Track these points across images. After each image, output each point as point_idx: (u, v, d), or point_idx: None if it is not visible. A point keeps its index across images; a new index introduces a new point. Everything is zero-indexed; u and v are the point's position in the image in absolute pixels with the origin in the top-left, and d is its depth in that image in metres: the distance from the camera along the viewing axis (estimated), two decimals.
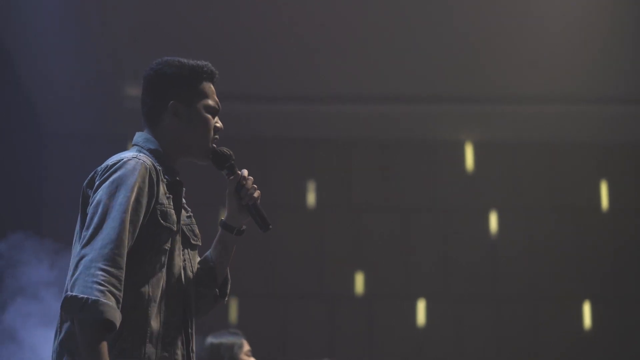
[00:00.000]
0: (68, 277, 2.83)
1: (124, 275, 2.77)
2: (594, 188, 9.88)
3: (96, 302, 2.67)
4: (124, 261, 2.77)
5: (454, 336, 9.61)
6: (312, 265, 9.66)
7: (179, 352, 2.96)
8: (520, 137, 9.82)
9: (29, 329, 5.85)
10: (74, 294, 2.69)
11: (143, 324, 2.85)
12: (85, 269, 2.72)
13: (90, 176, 2.97)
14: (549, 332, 9.58)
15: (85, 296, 2.68)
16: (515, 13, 8.65)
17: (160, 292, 2.92)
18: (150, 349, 2.86)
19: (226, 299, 3.26)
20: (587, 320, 9.64)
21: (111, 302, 2.70)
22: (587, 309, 9.66)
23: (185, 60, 3.21)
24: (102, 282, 2.70)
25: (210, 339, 5.28)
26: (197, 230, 3.17)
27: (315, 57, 8.93)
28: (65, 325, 2.86)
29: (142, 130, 3.14)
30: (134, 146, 3.08)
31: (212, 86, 3.20)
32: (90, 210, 2.85)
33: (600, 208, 9.84)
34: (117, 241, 2.77)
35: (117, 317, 2.71)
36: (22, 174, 8.47)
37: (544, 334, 9.59)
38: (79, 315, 2.68)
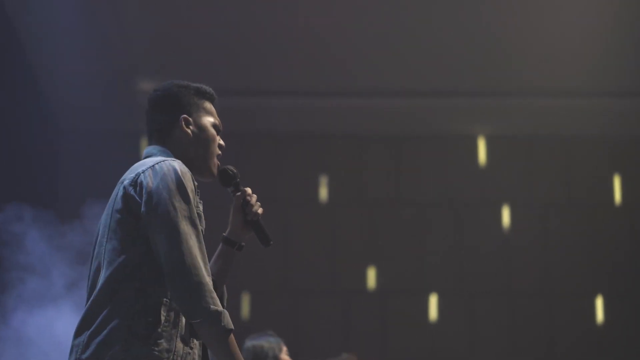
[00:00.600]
0: (114, 266, 2.92)
1: None
2: (607, 182, 9.87)
3: (224, 314, 2.88)
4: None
5: (467, 331, 9.62)
6: (324, 260, 9.68)
7: (196, 351, 3.04)
8: (533, 131, 9.82)
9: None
10: (213, 307, 2.86)
11: (176, 317, 2.94)
12: (202, 287, 2.86)
13: (130, 178, 3.02)
14: (562, 327, 9.58)
15: (218, 308, 2.87)
16: (528, 7, 8.64)
17: None
18: (179, 343, 2.94)
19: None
20: (600, 314, 9.63)
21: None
22: (600, 303, 9.65)
23: (188, 82, 3.35)
24: (214, 292, 2.89)
25: (251, 342, 5.41)
26: (204, 224, 3.25)
27: (328, 52, 8.94)
28: (108, 324, 2.91)
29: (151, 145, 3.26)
30: (151, 157, 3.16)
31: (213, 107, 3.34)
32: (161, 218, 2.91)
33: (613, 202, 9.83)
34: (202, 248, 2.94)
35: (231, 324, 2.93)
36: (38, 170, 8.52)
37: (557, 329, 9.59)
38: (222, 328, 2.86)
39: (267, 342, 5.42)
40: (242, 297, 9.37)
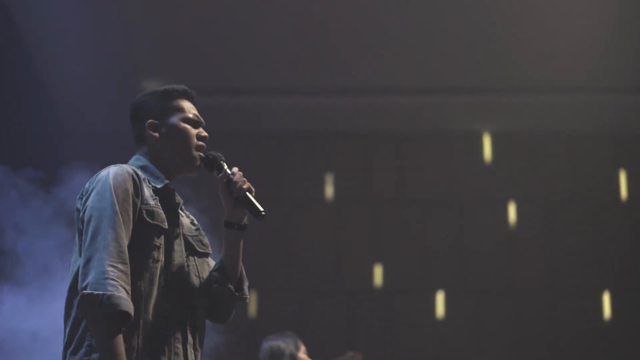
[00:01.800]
0: (70, 281, 3.03)
1: (129, 270, 2.96)
2: (612, 178, 9.86)
3: (111, 297, 2.85)
4: (127, 256, 2.96)
5: (473, 328, 9.61)
6: (330, 258, 9.68)
7: (179, 345, 3.07)
8: (538, 128, 9.81)
9: None
10: (89, 291, 2.85)
11: (136, 316, 2.95)
12: (95, 267, 2.89)
13: (80, 192, 3.13)
14: (569, 323, 9.57)
15: (101, 292, 2.85)
16: (531, 3, 8.63)
17: (156, 288, 3.05)
18: (143, 340, 2.98)
19: (246, 297, 3.36)
20: (607, 310, 9.62)
21: (124, 295, 2.88)
22: (606, 299, 9.64)
23: (157, 87, 3.39)
24: (113, 278, 2.88)
25: (269, 342, 5.45)
26: (205, 240, 3.31)
27: (332, 50, 8.94)
28: (73, 323, 3.01)
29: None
30: None
31: (188, 102, 3.35)
32: (85, 217, 3.03)
33: (619, 198, 9.82)
34: (118, 238, 2.96)
35: (131, 308, 2.88)
36: (40, 169, 8.52)
37: (564, 325, 9.58)
38: (97, 311, 2.84)
39: (284, 342, 5.45)
40: (250, 295, 9.35)
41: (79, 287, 2.89)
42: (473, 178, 9.87)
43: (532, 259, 9.72)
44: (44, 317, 5.85)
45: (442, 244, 9.75)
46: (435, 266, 9.71)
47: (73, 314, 3.00)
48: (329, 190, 9.82)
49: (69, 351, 2.98)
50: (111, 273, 2.87)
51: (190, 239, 3.22)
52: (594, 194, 9.80)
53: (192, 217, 3.33)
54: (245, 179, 3.24)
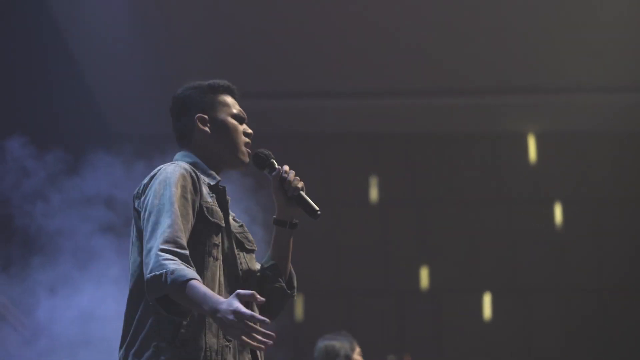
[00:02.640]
0: (132, 282, 3.01)
1: (188, 252, 2.92)
2: None
3: (173, 271, 2.81)
4: (184, 242, 2.93)
5: (521, 329, 9.57)
6: (377, 260, 9.69)
7: (234, 344, 3.03)
8: (584, 127, 9.76)
9: None
10: (151, 274, 2.82)
11: (200, 315, 2.93)
12: (154, 255, 2.86)
13: (136, 190, 3.12)
14: (618, 323, 9.51)
15: (163, 271, 2.81)
16: (577, 4, 8.59)
17: (217, 286, 3.02)
18: (211, 339, 2.95)
19: (295, 294, 3.35)
20: None
21: (185, 266, 2.84)
22: None
23: (202, 81, 3.37)
24: (170, 258, 2.85)
25: (324, 342, 5.46)
26: (250, 237, 3.29)
27: (378, 53, 8.95)
28: (141, 330, 2.98)
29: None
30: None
31: (231, 98, 3.34)
32: (144, 215, 3.00)
33: None
34: (174, 225, 2.93)
35: (195, 273, 2.84)
36: (90, 173, 8.59)
37: (613, 325, 9.52)
38: (166, 288, 2.81)
39: (339, 342, 5.47)
40: (296, 298, 9.40)
41: (144, 279, 2.87)
42: (518, 179, 9.84)
43: (579, 258, 9.67)
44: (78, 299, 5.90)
45: (489, 244, 9.73)
46: (482, 267, 9.69)
47: (138, 315, 2.97)
48: (374, 193, 9.83)
49: (131, 352, 2.95)
50: (168, 254, 2.85)
51: (238, 235, 3.20)
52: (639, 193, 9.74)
53: (233, 213, 3.28)
54: (298, 177, 3.23)
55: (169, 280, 2.80)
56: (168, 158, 3.26)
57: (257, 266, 3.26)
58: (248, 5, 8.56)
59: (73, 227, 6.06)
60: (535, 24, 8.71)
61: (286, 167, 3.23)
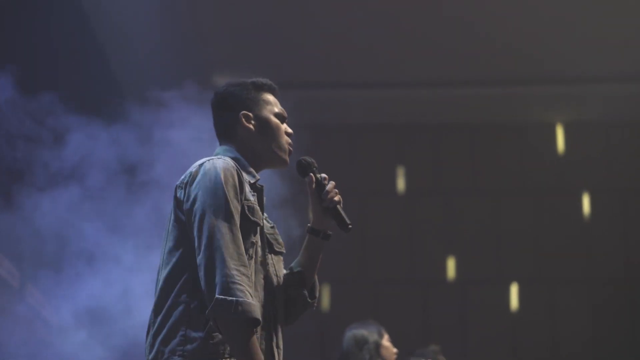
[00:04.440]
0: (167, 271, 3.02)
1: (249, 272, 2.96)
2: None
3: (242, 304, 2.84)
4: (245, 258, 2.95)
5: (548, 320, 9.54)
6: (403, 250, 9.68)
7: (263, 341, 3.06)
8: (612, 117, 9.71)
9: None
10: (222, 297, 2.84)
11: None
12: (219, 270, 2.88)
13: (180, 180, 3.12)
14: None
15: (234, 298, 2.84)
16: None
17: (253, 285, 3.03)
18: None
19: (315, 304, 3.36)
20: None
21: (252, 300, 2.87)
22: None
23: (245, 79, 3.37)
24: (240, 282, 2.87)
25: (352, 330, 5.50)
26: (280, 239, 3.31)
27: (403, 44, 8.94)
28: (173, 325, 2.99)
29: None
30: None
31: (274, 97, 3.35)
32: (196, 212, 3.00)
33: None
34: (236, 240, 2.95)
35: (260, 314, 2.89)
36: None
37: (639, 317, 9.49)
38: (231, 317, 2.84)
39: (367, 330, 5.50)
40: (322, 287, 9.42)
41: (203, 288, 2.88)
42: (546, 169, 9.80)
43: (607, 249, 9.62)
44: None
45: (516, 235, 9.70)
46: (509, 257, 9.67)
47: (168, 303, 2.99)
48: (401, 183, 9.82)
49: (158, 339, 2.97)
50: (237, 277, 2.87)
51: (268, 237, 3.22)
52: None
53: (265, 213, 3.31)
54: (337, 190, 3.25)
55: (239, 310, 2.84)
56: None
57: (283, 269, 3.28)
58: None
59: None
60: (563, 14, 8.67)
61: (325, 176, 3.26)
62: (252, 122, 3.24)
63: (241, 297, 2.84)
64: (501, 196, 9.78)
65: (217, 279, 2.86)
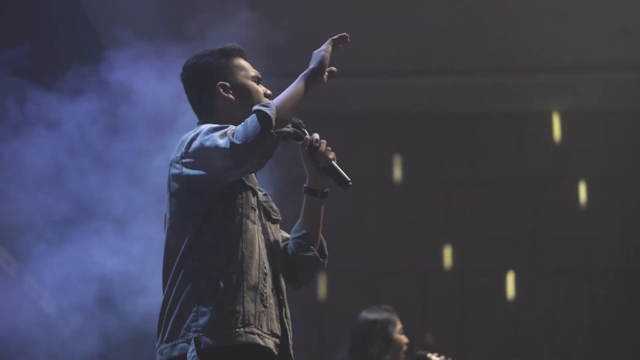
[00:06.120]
0: (167, 249, 3.03)
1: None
2: None
3: (263, 106, 2.91)
4: None
5: (545, 309, 9.55)
6: (400, 239, 9.68)
7: (273, 311, 3.05)
8: (608, 105, 9.70)
9: None
10: (238, 138, 2.86)
11: (239, 279, 2.95)
12: (217, 137, 2.92)
13: (171, 159, 3.09)
14: None
15: (261, 108, 2.89)
16: None
17: (257, 250, 3.03)
18: (249, 303, 2.96)
19: (326, 261, 3.35)
20: None
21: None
22: None
23: (211, 48, 3.32)
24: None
25: (365, 315, 5.36)
26: (275, 207, 3.28)
27: (402, 31, 8.91)
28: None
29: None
30: None
31: (245, 60, 3.31)
32: (190, 158, 3.00)
33: None
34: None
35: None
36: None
37: (638, 305, 9.48)
38: (269, 110, 2.88)
39: (381, 315, 5.34)
40: (319, 277, 9.42)
41: (239, 132, 2.89)
42: (543, 158, 9.80)
43: (604, 238, 9.62)
44: None
45: (513, 224, 9.70)
46: (506, 247, 9.67)
47: (177, 282, 2.97)
48: (398, 172, 9.82)
49: (172, 318, 2.96)
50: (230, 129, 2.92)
51: (264, 205, 3.21)
52: None
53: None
54: (330, 148, 3.24)
55: (272, 106, 2.89)
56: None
57: (281, 236, 3.26)
58: None
59: None
60: (560, 2, 8.65)
61: (316, 136, 3.24)
62: (230, 91, 3.20)
63: (259, 109, 2.88)
64: (498, 185, 9.77)
65: (245, 124, 2.89)
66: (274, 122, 2.85)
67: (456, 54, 9.19)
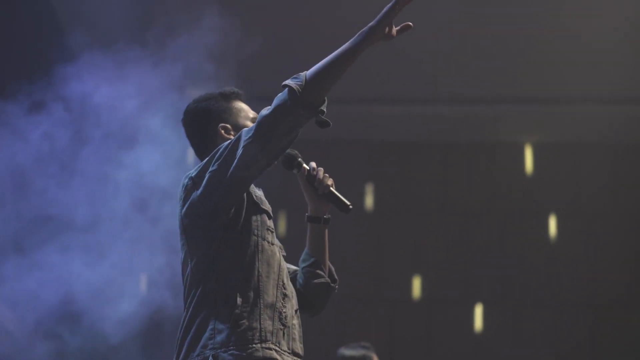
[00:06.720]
0: (190, 265, 3.08)
1: None
2: None
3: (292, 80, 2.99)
4: None
5: (512, 342, 9.54)
6: (370, 268, 9.66)
7: (297, 332, 3.15)
8: (580, 139, 9.74)
9: None
10: (285, 92, 2.96)
11: (255, 296, 3.00)
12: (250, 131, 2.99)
13: (179, 196, 3.16)
14: (610, 339, 9.47)
15: (289, 83, 2.96)
16: (574, 15, 8.57)
17: (273, 270, 3.10)
18: (266, 321, 3.00)
19: (337, 286, 3.51)
20: None
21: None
22: None
23: (211, 91, 3.41)
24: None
25: (342, 351, 5.42)
26: (279, 243, 3.33)
27: (375, 60, 8.92)
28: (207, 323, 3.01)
29: None
30: None
31: (243, 103, 3.41)
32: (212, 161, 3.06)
33: None
34: None
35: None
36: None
37: (604, 341, 9.48)
38: (306, 84, 2.98)
39: (358, 352, 5.40)
40: None
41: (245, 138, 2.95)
42: (514, 189, 9.81)
43: (573, 272, 9.64)
44: None
45: (482, 255, 9.70)
46: (475, 278, 9.66)
47: (195, 299, 3.01)
48: (369, 200, 9.80)
49: (189, 335, 3.00)
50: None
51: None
52: (636, 206, 9.70)
53: None
54: (327, 174, 3.27)
55: (301, 78, 2.96)
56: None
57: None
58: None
59: None
60: (532, 35, 8.70)
61: (313, 165, 3.29)
62: (232, 132, 3.26)
63: (288, 83, 2.94)
64: (469, 216, 9.78)
65: (272, 106, 2.95)
66: (298, 93, 2.92)
67: (429, 83, 9.21)
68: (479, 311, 9.63)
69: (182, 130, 3.33)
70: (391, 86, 9.25)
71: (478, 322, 9.61)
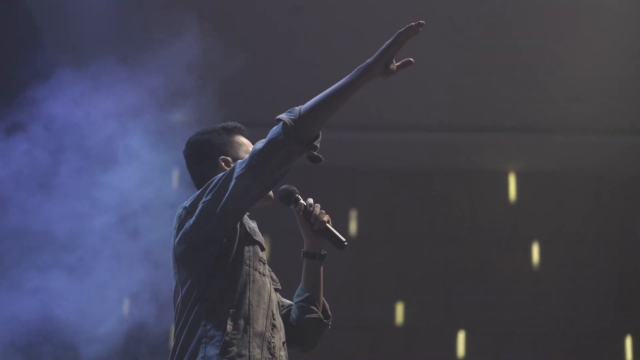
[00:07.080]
0: (180, 301, 3.10)
1: None
2: (637, 219, 9.80)
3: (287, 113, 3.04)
4: None
5: None
6: (352, 294, 9.65)
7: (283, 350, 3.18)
8: (564, 168, 9.78)
9: None
10: (278, 126, 3.02)
11: (245, 324, 3.02)
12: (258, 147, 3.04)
13: (173, 226, 3.20)
14: None
15: (283, 117, 3.03)
16: (558, 44, 8.62)
17: (264, 301, 3.13)
18: (255, 349, 3.03)
19: (330, 323, 3.57)
20: (629, 354, 9.53)
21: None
22: (629, 343, 9.56)
23: (213, 125, 3.48)
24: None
25: None
26: (275, 276, 3.42)
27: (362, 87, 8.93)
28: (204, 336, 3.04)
29: None
30: None
31: (244, 137, 3.48)
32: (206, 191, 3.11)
33: None
34: None
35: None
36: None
37: None
38: (300, 118, 3.02)
39: None
40: None
41: (244, 165, 2.97)
42: (498, 217, 9.84)
43: (555, 300, 9.65)
44: None
45: (465, 282, 9.71)
46: (457, 305, 9.67)
47: (187, 327, 3.03)
48: (353, 226, 9.81)
49: None
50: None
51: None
52: (619, 236, 9.74)
53: None
54: (324, 211, 3.30)
55: (295, 112, 3.00)
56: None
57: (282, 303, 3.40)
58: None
59: None
60: (517, 64, 8.74)
61: (311, 201, 3.34)
62: (231, 165, 3.28)
63: (282, 117, 2.99)
64: (452, 243, 9.79)
65: (265, 140, 3.01)
66: (291, 127, 2.97)
67: (413, 110, 9.23)
68: (461, 338, 9.62)
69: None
70: (375, 113, 9.28)
71: (460, 348, 9.61)
